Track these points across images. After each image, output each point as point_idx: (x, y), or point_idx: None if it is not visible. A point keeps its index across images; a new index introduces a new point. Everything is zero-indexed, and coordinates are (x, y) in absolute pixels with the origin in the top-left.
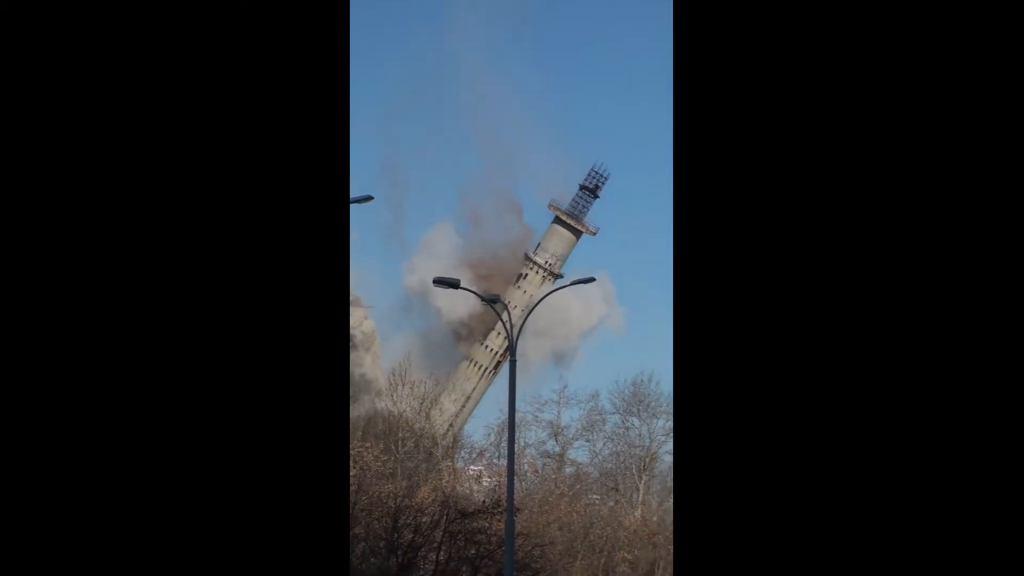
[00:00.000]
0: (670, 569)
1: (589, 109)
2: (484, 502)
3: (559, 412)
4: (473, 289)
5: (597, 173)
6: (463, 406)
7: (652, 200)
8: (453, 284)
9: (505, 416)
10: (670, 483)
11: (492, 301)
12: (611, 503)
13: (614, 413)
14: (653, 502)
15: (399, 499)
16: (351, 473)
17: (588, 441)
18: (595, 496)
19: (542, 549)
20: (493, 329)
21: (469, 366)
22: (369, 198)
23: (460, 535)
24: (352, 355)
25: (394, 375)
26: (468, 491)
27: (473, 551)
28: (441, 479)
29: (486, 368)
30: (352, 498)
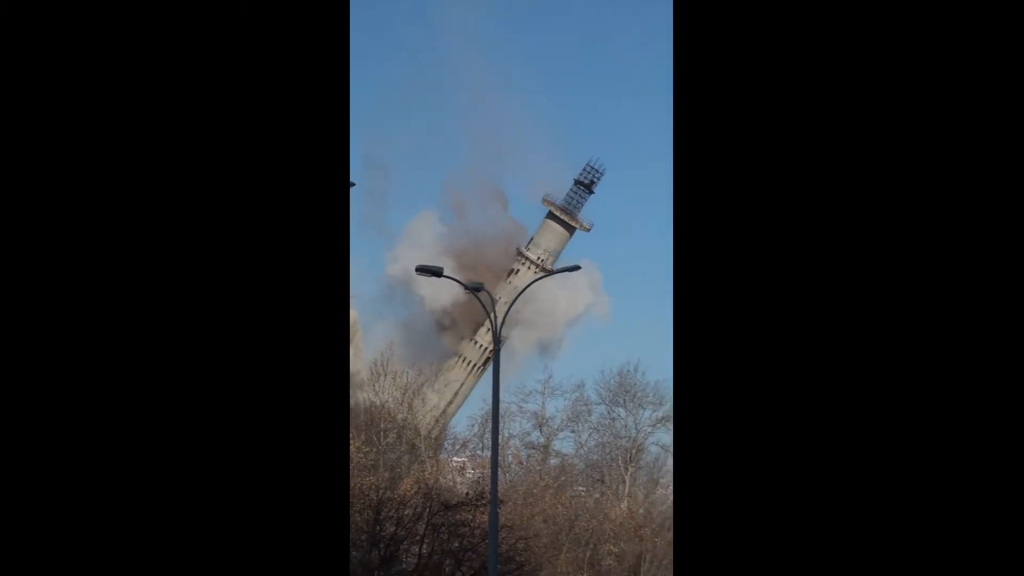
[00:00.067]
0: (656, 562)
1: (583, 105)
2: (467, 494)
3: (544, 402)
4: (456, 277)
5: (592, 168)
6: (451, 401)
7: (638, 191)
8: (436, 272)
9: (489, 407)
10: (656, 475)
11: (476, 289)
12: (597, 495)
13: (600, 403)
14: (639, 494)
15: (381, 491)
16: None
17: (573, 432)
18: (580, 488)
19: (526, 542)
20: (483, 325)
21: (458, 362)
22: (350, 185)
23: (443, 528)
24: None
25: (376, 365)
26: (451, 483)
27: (456, 544)
28: (424, 471)
29: (475, 364)
30: None
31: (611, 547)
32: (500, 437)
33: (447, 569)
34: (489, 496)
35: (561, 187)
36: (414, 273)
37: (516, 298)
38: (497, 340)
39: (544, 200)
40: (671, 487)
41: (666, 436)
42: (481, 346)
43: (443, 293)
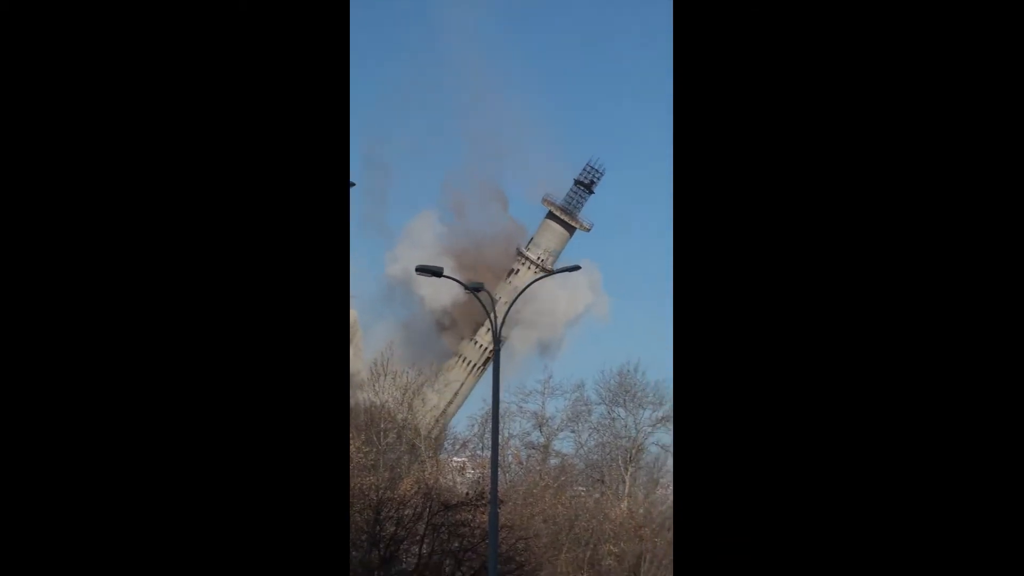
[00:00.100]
0: (656, 562)
1: (583, 105)
2: (467, 494)
3: (544, 402)
4: (456, 277)
5: (593, 168)
6: (451, 401)
7: (638, 191)
8: (436, 272)
9: (489, 407)
10: (656, 475)
11: (476, 289)
12: (597, 495)
13: (600, 403)
14: (639, 494)
15: (381, 491)
16: None
17: (573, 432)
18: (580, 488)
19: (526, 542)
20: (483, 325)
21: (458, 362)
22: (350, 185)
23: (443, 528)
24: None
25: (376, 365)
26: (451, 483)
27: (456, 544)
28: (424, 471)
29: (475, 364)
30: None
31: (611, 547)
32: (500, 437)
33: (447, 569)
34: (489, 496)
35: (561, 187)
36: (414, 273)
37: (516, 298)
38: (497, 340)
39: (544, 200)
40: (671, 487)
41: (666, 436)
42: (481, 346)
43: (443, 293)
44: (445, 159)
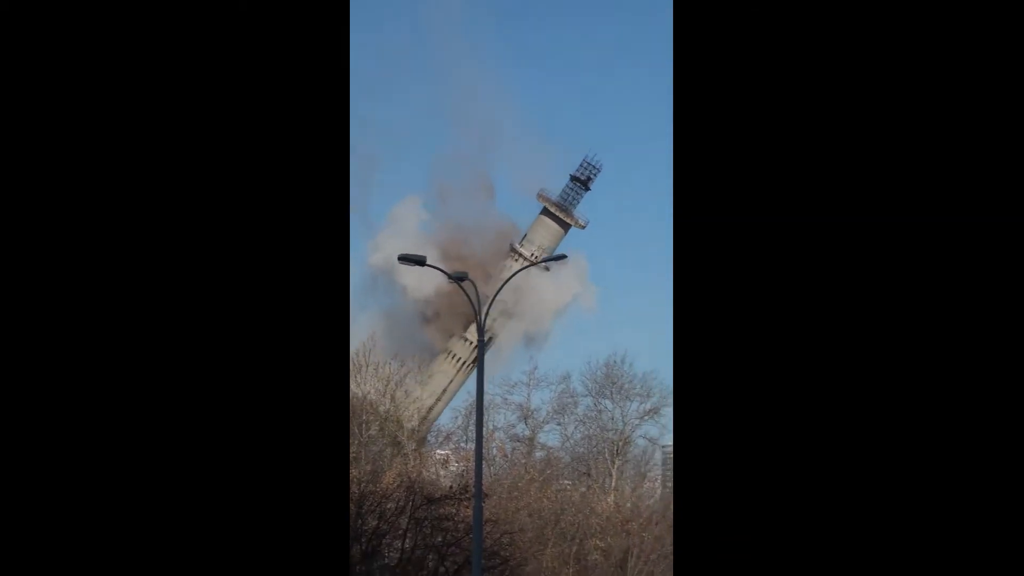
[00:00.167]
0: (644, 557)
1: (583, 103)
2: (451, 488)
3: (529, 394)
4: (440, 266)
5: (589, 164)
6: (438, 399)
7: (626, 183)
8: (419, 261)
9: (473, 399)
10: (644, 468)
11: (460, 279)
12: (583, 488)
13: (586, 395)
14: (626, 488)
15: (363, 485)
16: None
17: (559, 424)
18: (566, 481)
19: (511, 536)
20: (473, 323)
21: (447, 359)
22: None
23: (426, 522)
24: None
25: (358, 356)
26: (434, 476)
27: (440, 538)
28: (407, 464)
29: (464, 361)
30: None
31: (597, 542)
32: (484, 430)
33: (430, 564)
34: (473, 490)
35: (554, 182)
36: (396, 263)
37: (501, 288)
38: (481, 331)
39: (539, 196)
40: (659, 481)
41: (653, 429)
42: (471, 343)
43: (426, 283)
44: (433, 149)
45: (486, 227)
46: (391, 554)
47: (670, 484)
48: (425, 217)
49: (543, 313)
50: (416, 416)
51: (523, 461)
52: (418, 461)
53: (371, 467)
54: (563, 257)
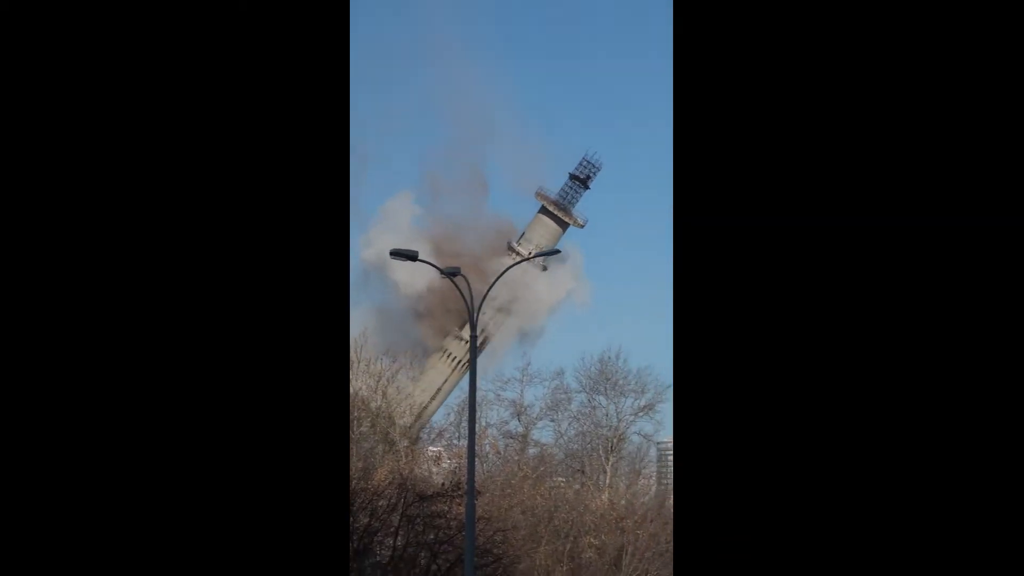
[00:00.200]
0: (638, 555)
1: (582, 100)
2: (443, 485)
3: (522, 390)
4: (432, 261)
5: (589, 163)
6: (433, 397)
7: (620, 180)
8: (411, 256)
9: (465, 395)
10: (638, 465)
11: (452, 274)
12: (577, 486)
13: (580, 391)
14: (621, 485)
15: (354, 482)
16: None
17: (553, 421)
18: (560, 478)
19: (504, 534)
20: (468, 323)
21: (442, 358)
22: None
23: (418, 519)
24: None
25: (349, 352)
26: (427, 473)
27: (432, 536)
28: (398, 461)
29: (460, 360)
30: None
31: (591, 539)
32: (477, 426)
33: (422, 562)
34: (466, 487)
35: (553, 181)
36: (388, 258)
37: (494, 283)
38: (474, 327)
39: (538, 194)
40: (654, 478)
41: (648, 425)
42: (466, 343)
43: (419, 279)
44: (426, 143)
45: (480, 224)
46: (383, 552)
47: (665, 481)
48: (418, 212)
49: (538, 309)
50: (408, 413)
51: (516, 458)
52: (410, 458)
53: (362, 464)
54: (556, 252)
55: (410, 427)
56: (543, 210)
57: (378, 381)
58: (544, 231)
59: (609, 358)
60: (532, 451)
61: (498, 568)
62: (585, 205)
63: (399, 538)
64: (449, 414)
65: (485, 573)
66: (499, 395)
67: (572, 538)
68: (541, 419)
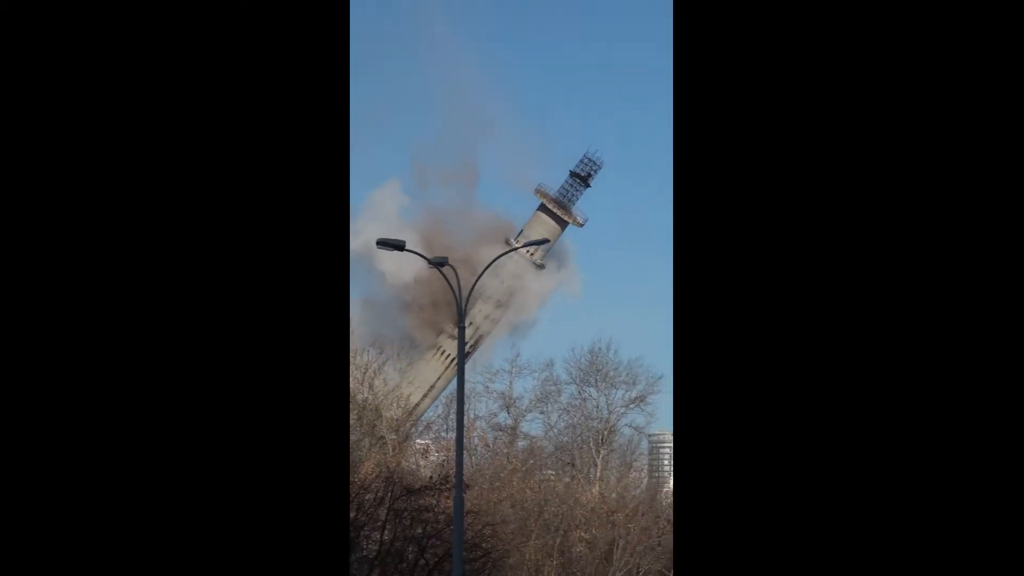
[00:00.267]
0: (629, 549)
1: (581, 98)
2: (431, 478)
3: (511, 382)
4: (419, 251)
5: (590, 160)
6: (425, 394)
7: (634, 186)
8: (398, 246)
9: (453, 387)
10: (629, 458)
11: (439, 264)
12: (567, 479)
13: (570, 383)
14: (612, 478)
15: None
16: None
17: (542, 413)
18: (550, 471)
19: (493, 528)
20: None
21: (435, 355)
22: None
23: (406, 513)
24: None
25: None
26: (414, 466)
27: (420, 530)
28: (385, 454)
29: (454, 358)
30: None
31: (582, 533)
32: (465, 418)
33: (410, 556)
34: (454, 480)
35: (552, 178)
36: (375, 248)
37: (482, 273)
38: (462, 317)
39: (537, 191)
40: (645, 471)
41: (639, 417)
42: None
43: (406, 270)
44: (416, 132)
45: (470, 216)
46: (370, 546)
47: (656, 474)
48: (405, 203)
49: (528, 301)
50: (396, 405)
51: (505, 451)
52: (397, 451)
53: (349, 457)
54: (545, 241)
55: (402, 423)
56: (542, 207)
57: (364, 373)
58: (543, 229)
59: (599, 349)
60: (521, 444)
61: (487, 563)
62: (583, 202)
63: (386, 532)
64: (437, 406)
65: (474, 568)
66: (488, 387)
67: (562, 532)
68: (530, 411)
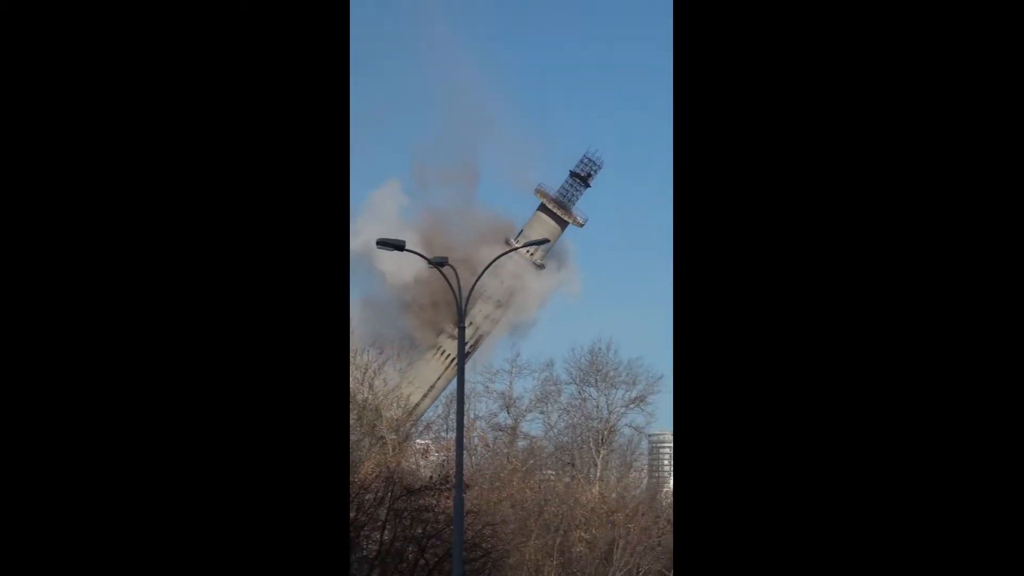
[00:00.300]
0: (629, 549)
1: (580, 97)
2: (431, 478)
3: (511, 382)
4: (419, 251)
5: (590, 160)
6: (425, 395)
7: (632, 185)
8: (398, 246)
9: (453, 387)
10: (630, 458)
11: (439, 264)
12: (567, 479)
13: (570, 383)
14: (612, 478)
15: None
16: None
17: (542, 413)
18: (550, 471)
19: (493, 528)
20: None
21: (436, 355)
22: None
23: (406, 513)
24: None
25: None
26: (414, 466)
27: (420, 530)
28: (385, 454)
29: (454, 358)
30: None
31: (582, 533)
32: (465, 418)
33: (410, 556)
34: (454, 480)
35: (552, 177)
36: (375, 247)
37: (482, 273)
38: (462, 316)
39: (537, 191)
40: (645, 470)
41: (639, 417)
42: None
43: (406, 270)
44: (417, 136)
45: (470, 216)
46: (369, 546)
47: (656, 474)
48: (405, 203)
49: (528, 301)
50: (396, 405)
51: (505, 451)
52: (397, 451)
53: (349, 457)
54: (545, 241)
55: (402, 423)
56: (542, 207)
57: (364, 373)
58: (543, 229)
59: (599, 349)
60: (521, 444)
61: (487, 563)
62: (583, 202)
63: (386, 532)
64: (437, 406)
65: (474, 568)
66: (488, 387)
67: (562, 532)
68: (530, 411)
